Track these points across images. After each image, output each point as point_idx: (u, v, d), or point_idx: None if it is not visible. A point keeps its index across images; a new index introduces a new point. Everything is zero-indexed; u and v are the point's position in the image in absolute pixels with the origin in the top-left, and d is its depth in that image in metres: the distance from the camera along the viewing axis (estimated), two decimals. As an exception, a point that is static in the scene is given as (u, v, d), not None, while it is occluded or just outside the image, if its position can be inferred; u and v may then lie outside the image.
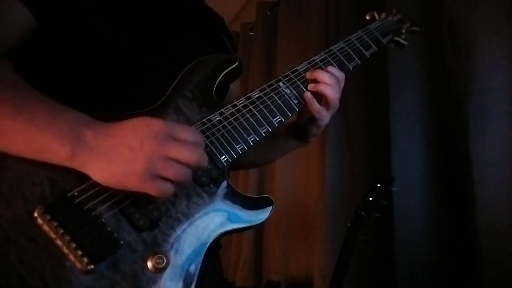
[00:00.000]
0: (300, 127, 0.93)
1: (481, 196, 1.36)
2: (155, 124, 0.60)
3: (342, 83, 0.88)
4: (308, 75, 0.86)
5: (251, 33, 2.91)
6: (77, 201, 0.59)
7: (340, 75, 0.87)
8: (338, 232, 1.66)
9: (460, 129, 1.49)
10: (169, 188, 0.59)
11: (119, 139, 0.59)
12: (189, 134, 0.62)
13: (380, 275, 1.68)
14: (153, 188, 0.58)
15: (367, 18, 1.09)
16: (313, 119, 0.87)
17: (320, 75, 0.85)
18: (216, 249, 0.83)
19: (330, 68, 0.87)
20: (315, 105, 0.84)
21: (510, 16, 1.39)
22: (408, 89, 1.67)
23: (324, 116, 0.87)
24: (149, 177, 0.58)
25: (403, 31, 1.09)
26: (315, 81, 0.85)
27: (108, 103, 0.73)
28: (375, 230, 1.63)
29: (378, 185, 1.36)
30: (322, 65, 0.88)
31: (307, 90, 0.85)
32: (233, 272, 2.41)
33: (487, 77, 1.42)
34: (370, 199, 1.36)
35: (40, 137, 0.58)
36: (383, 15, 1.09)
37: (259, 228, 2.33)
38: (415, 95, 1.65)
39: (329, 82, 0.84)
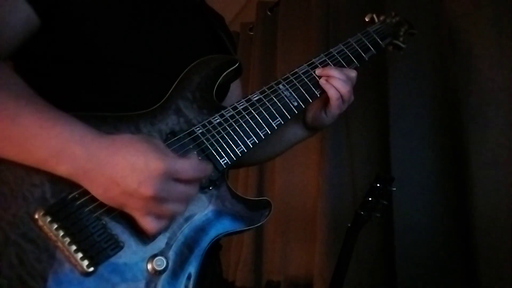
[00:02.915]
0: (311, 116, 0.95)
1: (481, 196, 1.37)
2: (155, 166, 0.56)
3: (354, 80, 0.90)
4: (318, 71, 0.88)
5: (251, 33, 2.90)
6: (78, 203, 0.59)
7: (350, 72, 0.89)
8: (338, 232, 1.66)
9: (460, 129, 1.49)
10: (160, 225, 0.61)
11: (115, 174, 0.56)
12: (189, 172, 0.60)
13: (380, 275, 1.68)
14: (145, 225, 0.60)
15: (366, 20, 1.09)
16: (326, 106, 0.90)
17: (330, 71, 0.87)
18: (216, 249, 0.84)
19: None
20: (332, 90, 0.87)
21: (510, 16, 1.39)
22: (408, 89, 1.67)
23: (339, 107, 0.90)
24: (143, 214, 0.59)
25: (401, 33, 1.09)
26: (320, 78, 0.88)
27: (108, 104, 0.73)
28: (375, 230, 1.64)
29: (378, 185, 1.36)
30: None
31: (313, 88, 0.87)
32: (233, 272, 2.41)
33: (487, 77, 1.42)
34: (370, 199, 1.36)
35: (35, 154, 0.57)
36: (381, 18, 1.09)
37: (259, 229, 2.33)
38: (415, 95, 1.65)
39: (340, 76, 0.87)
